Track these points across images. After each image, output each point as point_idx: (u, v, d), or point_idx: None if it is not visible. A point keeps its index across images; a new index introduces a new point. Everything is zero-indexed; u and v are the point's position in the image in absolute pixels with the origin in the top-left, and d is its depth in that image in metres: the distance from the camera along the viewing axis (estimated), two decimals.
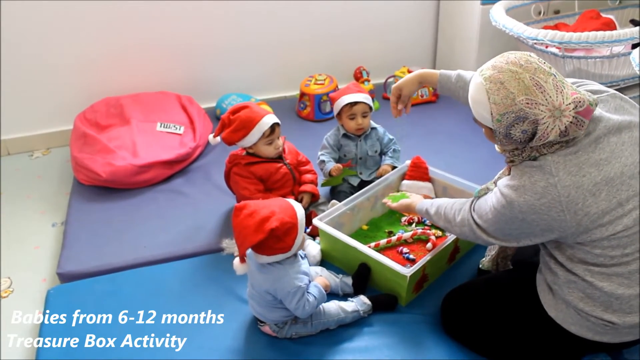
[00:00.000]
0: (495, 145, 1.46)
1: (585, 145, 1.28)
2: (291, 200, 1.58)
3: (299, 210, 1.56)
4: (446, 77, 1.76)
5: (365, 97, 2.19)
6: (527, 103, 1.24)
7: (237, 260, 1.54)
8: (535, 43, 2.43)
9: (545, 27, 2.79)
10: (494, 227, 1.40)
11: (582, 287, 1.35)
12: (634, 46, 2.29)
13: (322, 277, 1.75)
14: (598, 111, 1.32)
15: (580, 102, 1.24)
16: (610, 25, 2.66)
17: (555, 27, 2.85)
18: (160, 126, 2.72)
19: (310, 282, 1.65)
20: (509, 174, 1.39)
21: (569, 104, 1.24)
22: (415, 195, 1.90)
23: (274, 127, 2.02)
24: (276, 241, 1.50)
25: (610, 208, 1.26)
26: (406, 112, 1.91)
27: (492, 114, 1.29)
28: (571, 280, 1.37)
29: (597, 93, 1.39)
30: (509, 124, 1.28)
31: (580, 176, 1.26)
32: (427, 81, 1.82)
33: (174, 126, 2.74)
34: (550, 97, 1.24)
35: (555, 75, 1.27)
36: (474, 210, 1.47)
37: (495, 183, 1.47)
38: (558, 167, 1.27)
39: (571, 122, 1.24)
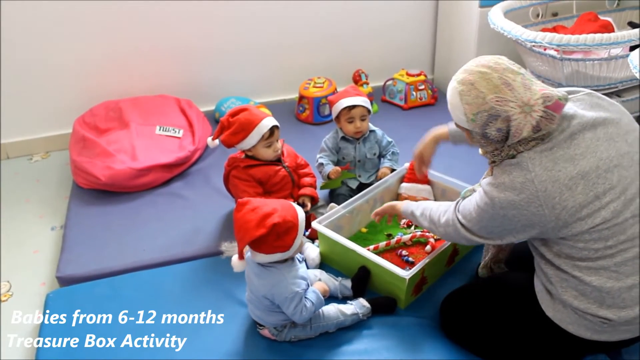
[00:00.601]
0: (479, 149, 1.49)
1: (561, 141, 1.32)
2: (292, 203, 1.59)
3: (300, 212, 1.56)
4: (454, 130, 1.81)
5: (363, 101, 2.19)
6: (497, 101, 1.30)
7: (235, 257, 1.54)
8: (533, 45, 2.43)
9: (544, 30, 2.80)
10: (478, 226, 1.43)
11: (574, 284, 1.36)
12: (632, 48, 2.29)
13: (321, 283, 1.74)
14: (572, 109, 1.37)
15: (548, 97, 1.29)
16: (608, 28, 2.67)
17: (554, 29, 2.85)
18: (160, 129, 2.72)
19: (308, 286, 1.65)
20: (491, 175, 1.42)
21: (538, 99, 1.29)
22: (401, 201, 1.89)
23: (273, 129, 2.02)
24: (276, 238, 1.49)
25: (588, 201, 1.29)
26: (426, 171, 2.01)
27: (466, 114, 1.35)
28: (562, 278, 1.38)
29: (572, 93, 1.43)
30: (483, 123, 1.34)
31: (556, 171, 1.29)
32: (442, 138, 1.90)
33: (173, 129, 2.74)
34: (518, 93, 1.30)
35: (524, 75, 1.33)
36: (458, 210, 1.50)
37: (480, 184, 1.49)
38: (534, 163, 1.31)
39: (541, 117, 1.29)
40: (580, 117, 1.35)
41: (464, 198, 1.51)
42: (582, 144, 1.32)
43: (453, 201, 1.58)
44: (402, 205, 1.78)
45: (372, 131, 2.29)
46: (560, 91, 1.33)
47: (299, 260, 1.65)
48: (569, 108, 1.36)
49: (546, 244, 1.40)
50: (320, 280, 1.81)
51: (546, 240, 1.39)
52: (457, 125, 1.46)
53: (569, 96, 1.37)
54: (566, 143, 1.32)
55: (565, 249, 1.35)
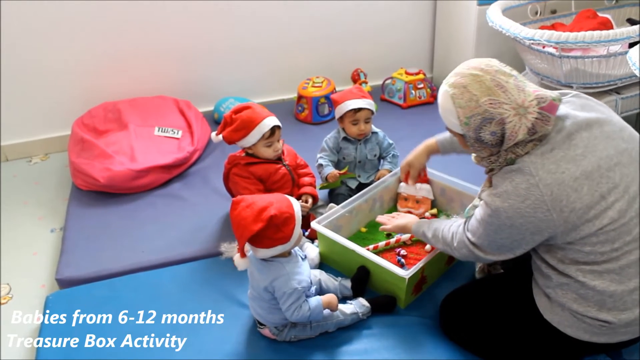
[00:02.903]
0: (472, 157, 1.47)
1: (559, 142, 1.30)
2: (287, 195, 1.59)
3: (295, 203, 1.56)
4: (443, 138, 1.85)
5: (369, 103, 2.18)
6: (491, 103, 1.28)
7: (237, 255, 1.53)
8: (532, 43, 2.43)
9: (542, 27, 2.79)
10: (487, 241, 1.40)
11: (575, 288, 1.35)
12: (631, 45, 2.28)
13: (332, 296, 1.69)
14: (564, 110, 1.35)
15: (542, 98, 1.28)
16: (606, 25, 2.66)
17: (552, 27, 2.85)
18: (158, 130, 2.72)
19: (311, 284, 1.65)
20: (490, 186, 1.40)
21: (532, 100, 1.28)
22: (408, 216, 1.87)
23: (274, 129, 2.02)
24: (275, 231, 1.49)
25: (594, 202, 1.27)
26: (412, 183, 2.00)
27: (459, 118, 1.33)
28: (563, 282, 1.37)
29: (560, 95, 1.40)
30: (477, 127, 1.31)
31: (559, 173, 1.27)
32: (433, 150, 1.90)
33: (172, 130, 2.74)
34: (512, 95, 1.28)
35: (516, 77, 1.31)
36: (467, 230, 1.47)
37: (479, 198, 1.46)
38: (537, 167, 1.28)
39: (536, 118, 1.27)
40: (573, 117, 1.33)
41: (469, 217, 1.49)
42: (581, 143, 1.30)
43: (463, 205, 1.57)
44: (413, 225, 1.76)
45: (374, 133, 2.28)
46: (554, 92, 1.32)
47: (301, 258, 1.65)
48: (560, 109, 1.35)
49: (550, 251, 1.37)
50: (320, 280, 1.81)
51: (551, 247, 1.36)
52: (449, 130, 1.43)
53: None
54: (565, 144, 1.30)
55: (571, 253, 1.33)
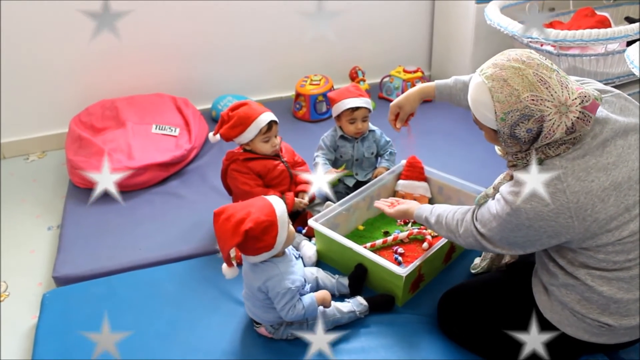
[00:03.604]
0: (496, 148, 1.42)
1: (593, 148, 1.25)
2: (272, 197, 1.57)
3: (278, 207, 1.54)
4: (443, 84, 1.77)
5: (366, 102, 2.18)
6: (533, 99, 1.21)
7: (224, 265, 1.56)
8: (530, 41, 2.43)
9: None
10: (500, 236, 1.36)
11: (581, 290, 1.34)
12: (629, 44, 2.29)
13: (325, 292, 1.69)
14: (605, 113, 1.29)
15: (586, 96, 1.22)
16: (604, 23, 2.66)
17: (550, 25, 2.85)
18: (156, 128, 2.71)
19: (305, 282, 1.64)
20: (510, 180, 1.36)
21: (575, 98, 1.21)
22: (410, 201, 1.82)
23: (271, 124, 2.02)
24: (256, 242, 1.49)
25: (618, 213, 1.24)
26: (397, 128, 1.95)
27: (495, 113, 1.26)
28: (569, 283, 1.35)
29: (602, 92, 1.36)
30: (513, 123, 1.24)
31: (589, 181, 1.23)
32: (428, 94, 1.83)
33: (170, 128, 2.73)
34: (555, 92, 1.21)
35: (558, 71, 1.25)
36: (476, 219, 1.42)
37: (494, 189, 1.43)
38: (566, 172, 1.23)
39: (578, 118, 1.21)
40: (613, 123, 1.27)
41: (479, 205, 1.44)
42: (614, 152, 1.25)
43: (460, 197, 1.52)
44: (415, 210, 1.70)
45: (371, 131, 2.28)
46: (595, 89, 1.27)
47: (295, 257, 1.65)
48: (600, 111, 1.29)
49: (560, 251, 1.35)
50: (318, 278, 1.82)
51: (561, 248, 1.34)
52: (477, 122, 1.37)
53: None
54: (598, 150, 1.25)
55: (582, 258, 1.31)
